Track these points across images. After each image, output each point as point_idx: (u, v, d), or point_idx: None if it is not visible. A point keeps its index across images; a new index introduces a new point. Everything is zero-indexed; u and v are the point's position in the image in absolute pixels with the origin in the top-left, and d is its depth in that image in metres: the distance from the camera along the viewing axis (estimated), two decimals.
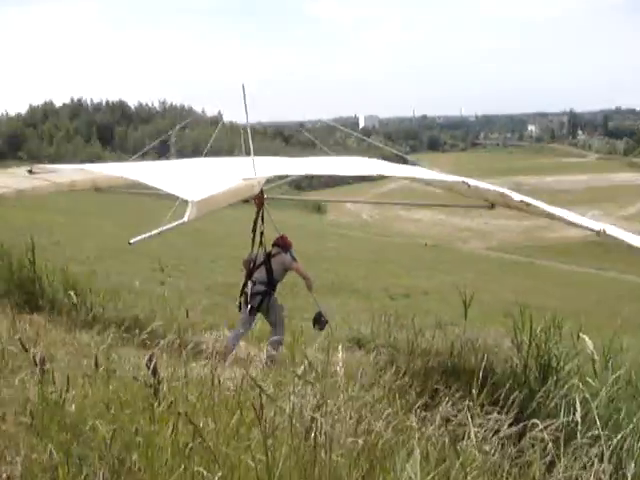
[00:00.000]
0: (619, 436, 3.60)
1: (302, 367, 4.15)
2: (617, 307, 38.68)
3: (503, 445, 4.04)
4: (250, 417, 3.62)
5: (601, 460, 3.48)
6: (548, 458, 3.75)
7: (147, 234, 6.11)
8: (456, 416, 4.40)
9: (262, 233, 10.82)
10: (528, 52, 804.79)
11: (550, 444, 3.69)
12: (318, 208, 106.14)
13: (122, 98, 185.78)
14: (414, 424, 4.01)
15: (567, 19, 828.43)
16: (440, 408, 4.55)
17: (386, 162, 13.32)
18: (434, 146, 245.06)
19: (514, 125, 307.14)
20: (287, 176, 12.44)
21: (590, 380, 4.70)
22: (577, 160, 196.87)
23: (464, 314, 8.19)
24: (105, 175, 11.95)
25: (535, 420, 3.98)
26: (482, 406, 4.84)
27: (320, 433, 3.40)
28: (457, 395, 5.04)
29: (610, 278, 52.01)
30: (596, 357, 5.16)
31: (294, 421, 3.41)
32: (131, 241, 6.38)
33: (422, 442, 3.74)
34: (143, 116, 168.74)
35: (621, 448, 3.79)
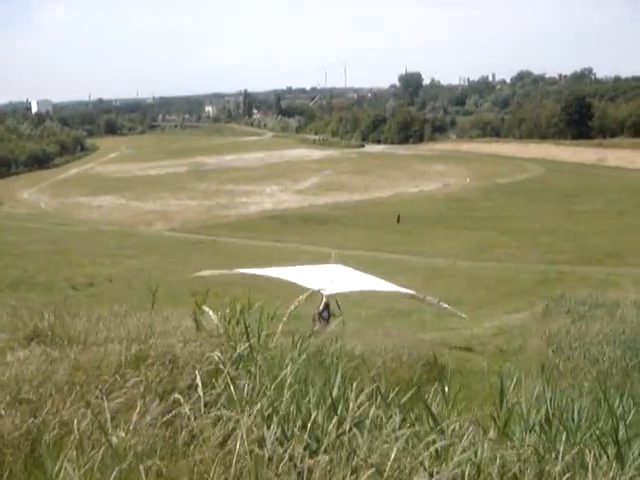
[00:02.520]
0: (285, 398, 3.69)
1: None
2: None
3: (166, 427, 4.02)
4: None
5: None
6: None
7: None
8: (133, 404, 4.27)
9: (328, 307, 26.35)
10: (202, 32, 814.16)
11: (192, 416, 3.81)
12: None
13: None
14: (76, 420, 3.82)
15: (234, 5, 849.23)
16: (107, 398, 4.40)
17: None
18: (112, 130, 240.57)
19: (191, 106, 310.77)
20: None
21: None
22: (254, 139, 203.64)
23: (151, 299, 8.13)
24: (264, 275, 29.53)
25: (177, 395, 4.02)
26: (165, 391, 4.74)
27: None
28: (132, 383, 4.87)
29: (292, 249, 54.46)
30: (219, 324, 5.37)
31: None
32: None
33: (77, 437, 3.60)
34: None
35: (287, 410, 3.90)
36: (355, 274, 29.28)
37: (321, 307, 25.81)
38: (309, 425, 3.62)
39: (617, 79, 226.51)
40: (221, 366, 4.46)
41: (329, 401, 3.79)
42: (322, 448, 3.50)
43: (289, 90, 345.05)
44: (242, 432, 3.49)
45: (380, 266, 45.36)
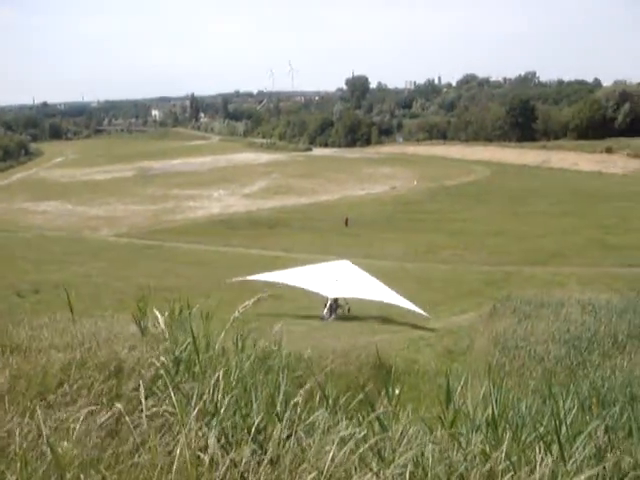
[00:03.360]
0: (230, 402, 3.66)
1: None
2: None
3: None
4: None
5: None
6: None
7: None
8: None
9: (336, 300, 32.55)
10: (148, 36, 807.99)
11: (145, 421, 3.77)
12: None
13: None
14: (18, 430, 3.74)
15: (181, 8, 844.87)
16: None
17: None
18: (57, 134, 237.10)
19: (138, 110, 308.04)
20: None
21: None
22: (201, 142, 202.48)
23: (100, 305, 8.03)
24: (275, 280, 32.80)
25: (121, 404, 3.97)
26: (110, 399, 4.68)
27: None
28: (76, 390, 4.79)
29: (238, 253, 54.28)
30: (164, 329, 5.32)
31: None
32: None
33: (19, 448, 3.52)
34: None
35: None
36: (359, 275, 34.07)
37: (329, 304, 32.30)
38: (254, 430, 3.59)
39: (560, 82, 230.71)
40: (162, 372, 4.41)
41: (276, 405, 3.77)
42: (268, 453, 3.48)
43: (236, 94, 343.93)
44: (185, 438, 3.45)
45: None
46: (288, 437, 3.56)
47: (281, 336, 7.70)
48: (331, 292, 32.54)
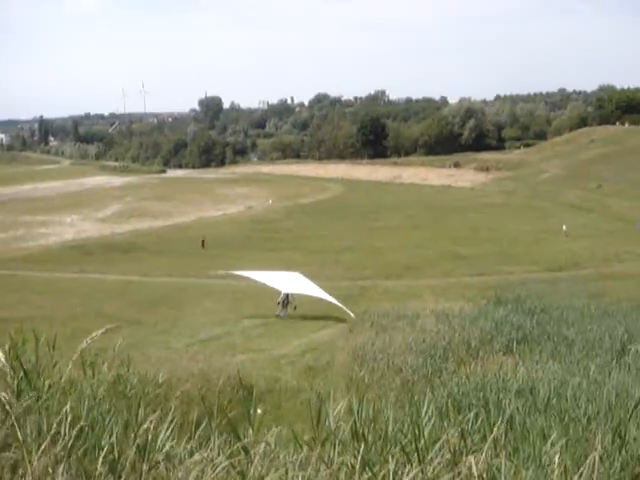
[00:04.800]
0: (83, 434, 3.51)
1: None
2: (103, 306, 39.62)
3: None
4: None
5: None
6: None
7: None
8: None
9: (288, 296, 38.56)
10: None
11: None
12: None
13: None
14: None
15: (25, 28, 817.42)
16: None
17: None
18: None
19: None
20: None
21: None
22: (51, 167, 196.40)
23: None
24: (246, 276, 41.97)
25: None
26: None
27: None
28: None
29: (93, 279, 52.79)
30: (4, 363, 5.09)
31: None
32: None
33: None
34: None
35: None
36: (307, 282, 40.29)
37: (282, 297, 38.54)
38: (110, 459, 3.45)
39: (409, 100, 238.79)
40: (8, 408, 4.17)
41: (132, 433, 3.64)
42: None
43: (87, 116, 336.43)
44: (31, 475, 3.28)
45: (187, 291, 44.89)
46: (149, 467, 3.44)
47: (131, 360, 7.48)
48: (285, 288, 39.22)
